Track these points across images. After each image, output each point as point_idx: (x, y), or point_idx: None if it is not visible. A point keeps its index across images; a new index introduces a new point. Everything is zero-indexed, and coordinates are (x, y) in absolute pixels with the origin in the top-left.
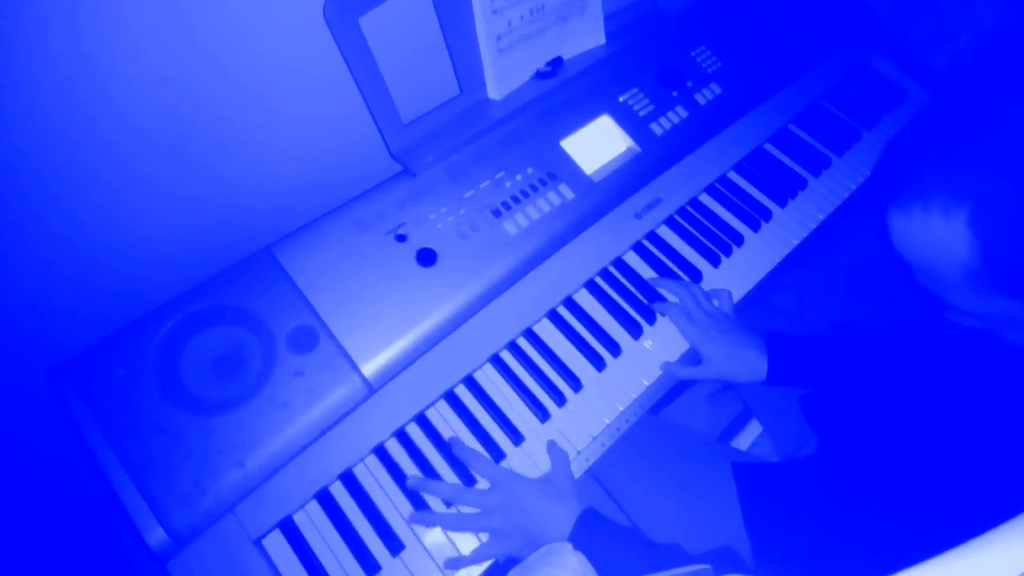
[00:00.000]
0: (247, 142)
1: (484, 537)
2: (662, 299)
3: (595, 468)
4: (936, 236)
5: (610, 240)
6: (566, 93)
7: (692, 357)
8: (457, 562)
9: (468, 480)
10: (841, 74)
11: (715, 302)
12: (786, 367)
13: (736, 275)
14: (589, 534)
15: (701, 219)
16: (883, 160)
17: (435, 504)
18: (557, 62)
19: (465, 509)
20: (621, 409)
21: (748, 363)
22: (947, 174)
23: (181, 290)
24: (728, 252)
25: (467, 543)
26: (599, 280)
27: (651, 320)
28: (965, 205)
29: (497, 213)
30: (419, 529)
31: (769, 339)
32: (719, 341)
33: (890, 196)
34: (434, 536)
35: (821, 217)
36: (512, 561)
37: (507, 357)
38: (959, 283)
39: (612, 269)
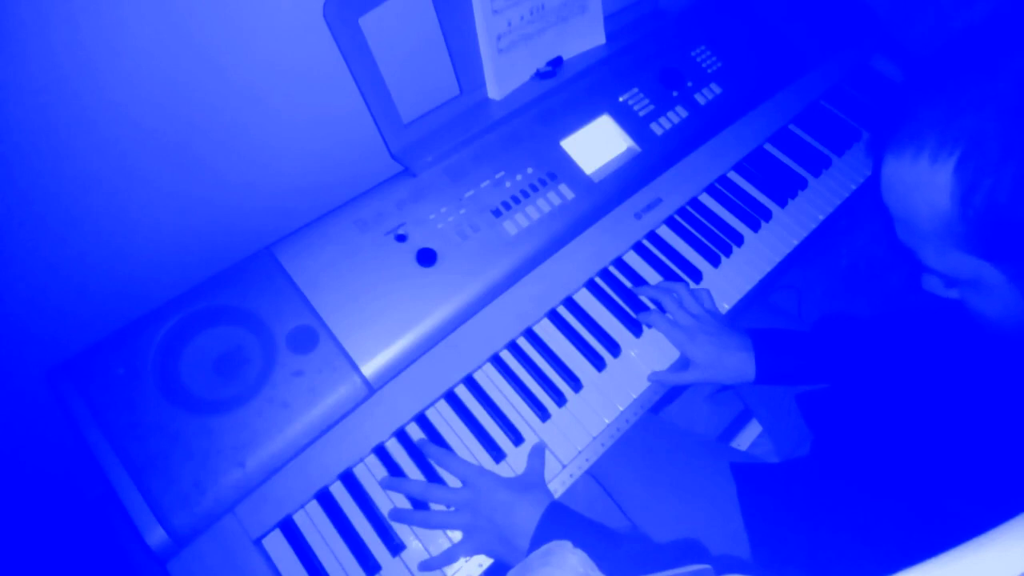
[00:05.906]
0: (247, 142)
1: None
2: (645, 308)
3: (595, 468)
4: (921, 182)
5: (610, 240)
6: (566, 93)
7: (684, 361)
8: (429, 564)
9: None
10: (841, 74)
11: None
12: (774, 366)
13: (736, 275)
14: (555, 526)
15: (701, 219)
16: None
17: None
18: (557, 62)
19: (437, 506)
20: (621, 409)
21: (735, 365)
22: (945, 114)
23: (181, 290)
24: (728, 252)
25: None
26: (599, 280)
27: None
28: (956, 148)
29: (497, 213)
30: (419, 529)
31: (755, 338)
32: (704, 343)
33: (885, 142)
34: (434, 536)
35: (821, 217)
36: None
37: (507, 357)
38: (935, 237)
39: (612, 269)
